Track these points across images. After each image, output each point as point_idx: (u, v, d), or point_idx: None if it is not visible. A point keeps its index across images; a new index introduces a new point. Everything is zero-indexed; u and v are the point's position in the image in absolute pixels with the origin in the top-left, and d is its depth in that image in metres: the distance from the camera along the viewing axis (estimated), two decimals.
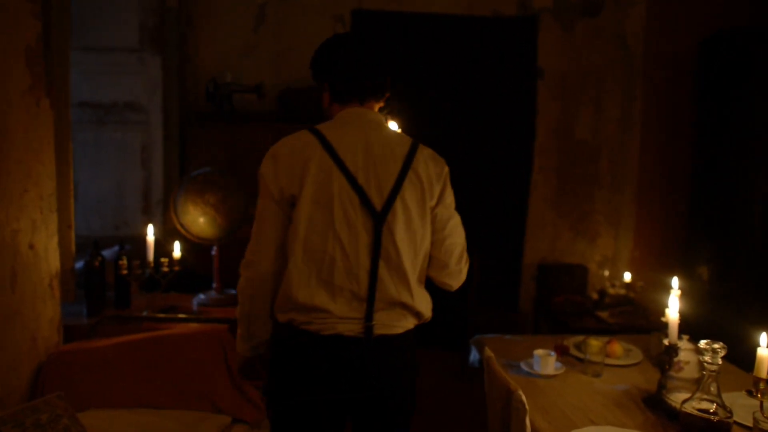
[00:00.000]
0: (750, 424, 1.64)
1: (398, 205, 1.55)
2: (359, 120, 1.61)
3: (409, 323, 1.62)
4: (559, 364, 2.07)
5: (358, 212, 1.53)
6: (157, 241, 3.51)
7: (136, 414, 2.13)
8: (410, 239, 1.57)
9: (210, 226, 2.81)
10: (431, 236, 1.63)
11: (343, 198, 1.52)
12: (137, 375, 2.23)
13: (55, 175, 2.40)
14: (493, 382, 1.86)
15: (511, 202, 4.49)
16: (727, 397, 1.54)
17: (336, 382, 1.57)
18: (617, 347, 2.18)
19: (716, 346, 1.50)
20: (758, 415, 1.53)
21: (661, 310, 3.81)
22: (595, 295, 4.01)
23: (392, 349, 1.59)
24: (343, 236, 1.52)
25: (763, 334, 1.59)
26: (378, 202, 1.54)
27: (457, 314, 4.05)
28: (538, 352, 2.04)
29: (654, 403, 1.81)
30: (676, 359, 1.86)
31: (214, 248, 2.93)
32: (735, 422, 1.62)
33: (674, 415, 1.71)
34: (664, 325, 1.86)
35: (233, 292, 3.02)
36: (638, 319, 3.76)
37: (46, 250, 2.30)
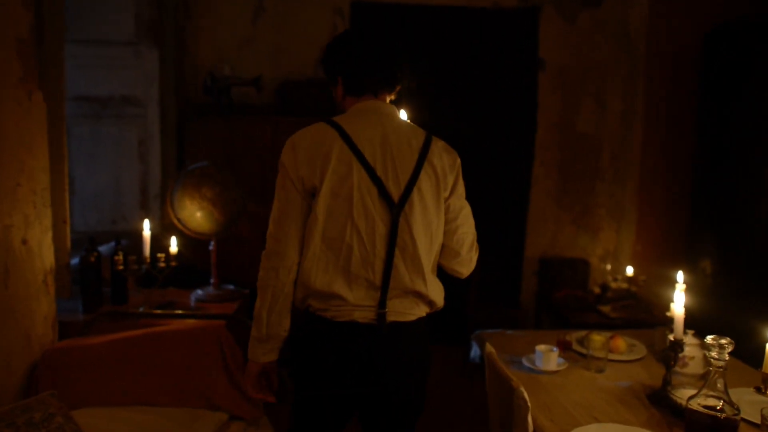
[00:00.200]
0: (758, 421, 1.60)
1: (415, 195, 1.58)
2: (375, 112, 1.64)
3: (422, 311, 1.65)
4: (561, 360, 2.03)
5: (376, 203, 1.56)
6: (154, 237, 3.48)
7: (131, 412, 2.09)
8: (426, 229, 1.61)
9: (207, 221, 2.77)
10: (444, 226, 1.66)
11: (362, 189, 1.55)
12: (133, 372, 2.19)
13: (49, 170, 2.36)
14: (494, 379, 1.83)
15: (512, 196, 4.45)
16: (733, 393, 1.50)
17: (343, 376, 1.59)
18: (620, 342, 2.14)
19: (723, 341, 1.46)
20: (767, 411, 1.50)
21: (663, 305, 3.79)
22: (597, 290, 3.97)
23: (404, 338, 1.61)
24: (361, 226, 1.55)
25: None
26: (395, 193, 1.57)
27: (458, 309, 4.02)
28: (540, 347, 2.01)
29: (659, 399, 1.78)
30: (681, 354, 1.82)
31: (212, 243, 2.89)
32: (742, 419, 1.59)
33: (680, 412, 1.68)
34: (668, 320, 1.82)
35: (231, 287, 3.00)
36: (640, 313, 3.73)
37: (40, 246, 2.26)
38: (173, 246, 2.70)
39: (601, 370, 2.00)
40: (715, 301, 3.54)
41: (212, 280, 2.91)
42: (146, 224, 2.67)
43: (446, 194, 1.65)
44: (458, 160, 1.68)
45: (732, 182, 3.82)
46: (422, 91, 4.22)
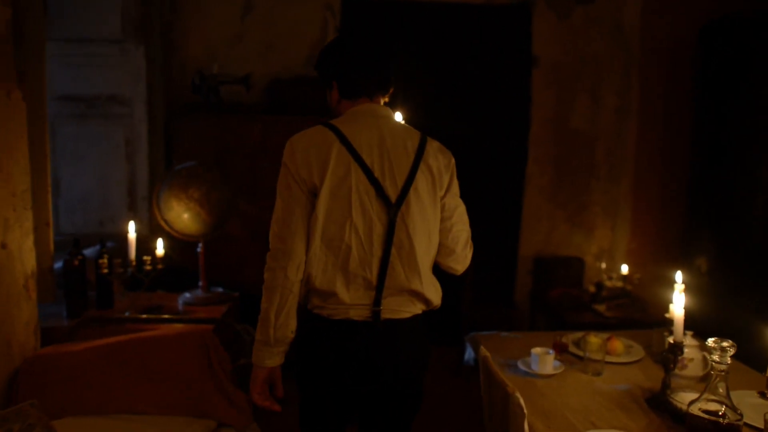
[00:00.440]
0: (761, 425, 1.56)
1: (412, 195, 1.62)
2: (371, 115, 1.67)
3: (417, 309, 1.68)
4: (557, 363, 1.98)
5: (374, 203, 1.60)
6: (142, 239, 3.41)
7: (115, 421, 2.03)
8: (423, 228, 1.64)
9: (194, 222, 2.71)
10: (440, 224, 1.70)
11: (360, 190, 1.59)
12: (117, 380, 2.13)
13: (30, 171, 2.29)
14: (489, 384, 1.77)
15: (506, 193, 4.40)
16: (734, 396, 1.45)
17: (342, 374, 1.63)
18: (618, 344, 2.10)
19: (725, 344, 1.41)
20: None
21: (659, 303, 3.77)
22: (592, 288, 3.94)
23: (400, 335, 1.64)
24: (359, 226, 1.59)
25: None
26: (393, 194, 1.61)
27: (453, 309, 3.96)
28: (536, 350, 1.96)
29: (658, 403, 1.73)
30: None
31: (200, 245, 2.83)
32: (745, 424, 1.54)
33: (680, 416, 1.63)
34: (665, 320, 1.78)
35: (220, 290, 2.94)
36: (636, 312, 3.70)
37: (21, 250, 2.19)
38: (159, 248, 2.63)
39: (598, 373, 1.95)
40: (712, 300, 3.50)
41: (200, 283, 2.84)
42: (131, 226, 2.60)
43: (442, 193, 1.68)
44: (453, 160, 1.71)
45: (728, 179, 3.79)
46: (415, 89, 4.21)
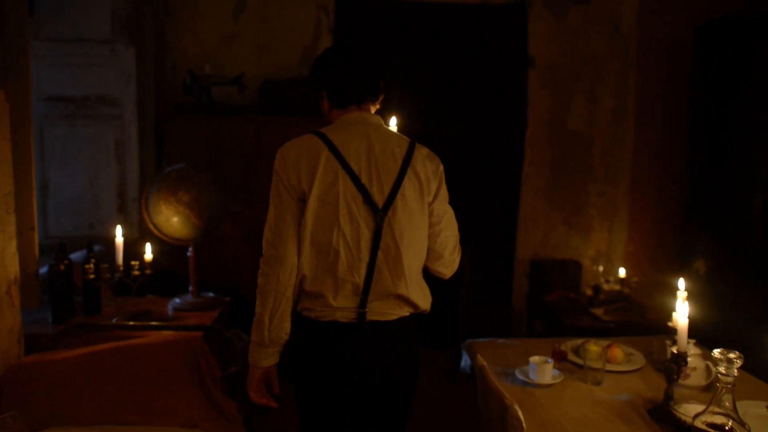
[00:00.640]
0: None
1: (399, 201, 1.65)
2: (361, 123, 1.71)
3: (404, 311, 1.70)
4: (556, 372, 1.93)
5: (361, 209, 1.63)
6: (132, 242, 3.35)
7: None
8: (410, 233, 1.66)
9: (184, 226, 2.64)
10: (428, 229, 1.72)
11: (348, 197, 1.62)
12: (103, 389, 2.06)
13: (14, 174, 2.22)
14: (487, 395, 1.72)
15: (502, 195, 4.35)
16: (738, 407, 1.40)
17: (329, 376, 1.66)
18: (618, 352, 2.04)
19: (732, 355, 1.36)
20: None
21: (657, 307, 3.73)
22: (589, 292, 3.90)
23: (386, 337, 1.67)
24: (347, 231, 1.62)
25: None
26: (380, 200, 1.64)
27: (449, 312, 3.92)
28: (534, 359, 1.90)
29: (661, 415, 1.68)
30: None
31: (190, 249, 2.77)
32: None
33: (683, 429, 1.58)
34: (669, 329, 1.72)
35: (211, 294, 2.87)
36: (633, 315, 3.66)
37: (3, 255, 2.13)
38: (148, 253, 2.57)
39: (598, 383, 1.90)
40: (711, 304, 3.45)
41: (191, 288, 2.78)
42: (119, 230, 2.53)
43: (430, 198, 1.71)
44: (441, 167, 1.74)
45: (727, 180, 3.74)
46: (409, 90, 4.15)
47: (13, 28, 2.24)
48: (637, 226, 4.30)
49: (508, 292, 4.40)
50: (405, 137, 1.75)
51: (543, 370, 1.86)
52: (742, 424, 1.36)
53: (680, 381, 1.82)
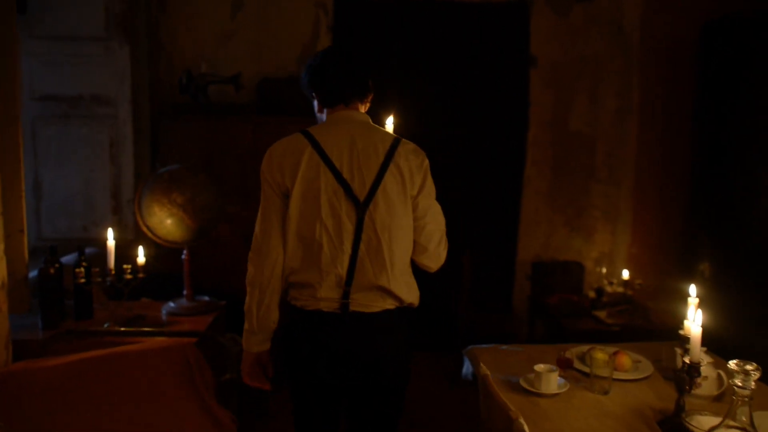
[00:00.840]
0: None
1: (380, 195, 1.70)
2: (346, 121, 1.78)
3: (388, 304, 1.73)
4: (562, 380, 1.86)
5: (343, 203, 1.69)
6: (126, 244, 3.27)
7: None
8: (392, 227, 1.71)
9: (178, 229, 2.57)
10: (413, 223, 1.77)
11: (329, 191, 1.69)
12: (93, 398, 2.00)
13: (1, 174, 2.15)
14: (490, 406, 1.65)
15: (503, 197, 4.28)
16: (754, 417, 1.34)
17: (314, 366, 1.71)
18: (625, 359, 1.97)
19: (749, 367, 1.29)
20: None
21: (661, 310, 3.67)
22: (592, 294, 3.83)
23: (369, 328, 1.72)
24: (329, 225, 1.69)
25: None
26: (361, 194, 1.69)
27: (449, 314, 3.86)
28: (539, 367, 1.83)
29: (672, 427, 1.61)
30: None
31: (184, 252, 2.70)
32: None
33: None
34: (681, 338, 1.65)
35: (206, 298, 2.81)
36: (637, 318, 3.59)
37: None
38: (141, 257, 2.50)
39: (605, 392, 1.83)
40: (717, 307, 3.38)
41: (185, 292, 2.71)
42: (110, 233, 2.46)
43: (414, 192, 1.75)
44: (426, 162, 1.78)
45: (730, 180, 3.69)
46: (409, 89, 4.09)
47: (0, 23, 2.17)
48: (640, 227, 4.23)
49: (509, 295, 4.33)
50: (391, 134, 1.81)
51: (548, 379, 1.80)
52: None
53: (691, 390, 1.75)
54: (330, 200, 1.69)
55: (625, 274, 3.82)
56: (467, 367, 2.21)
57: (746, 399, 1.30)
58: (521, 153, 4.22)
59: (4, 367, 2.11)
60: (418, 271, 1.86)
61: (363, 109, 1.84)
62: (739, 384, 1.30)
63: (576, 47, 4.17)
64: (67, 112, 3.64)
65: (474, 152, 4.22)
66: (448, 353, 3.80)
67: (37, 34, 3.55)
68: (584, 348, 2.09)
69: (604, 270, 4.13)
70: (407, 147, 1.76)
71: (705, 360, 1.77)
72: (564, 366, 1.96)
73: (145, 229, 2.61)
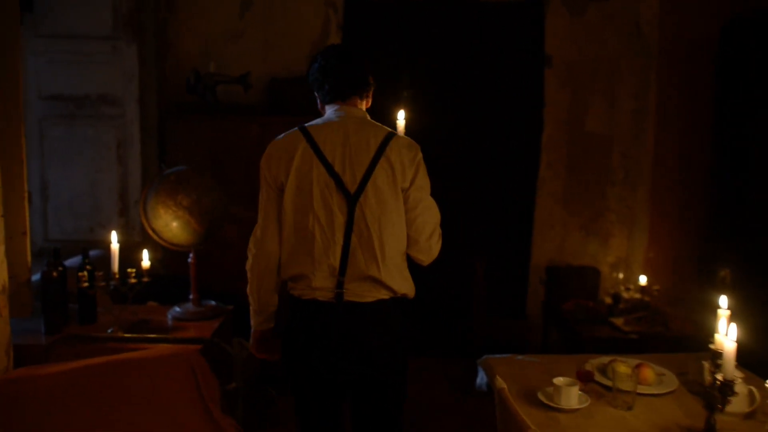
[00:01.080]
0: None
1: (370, 188, 1.75)
2: (341, 116, 1.84)
3: (381, 294, 1.78)
4: (582, 395, 1.77)
5: (334, 195, 1.76)
6: (133, 246, 3.21)
7: None
8: (383, 219, 1.76)
9: (184, 231, 2.51)
10: (405, 215, 1.81)
11: (321, 183, 1.76)
12: (94, 406, 1.93)
13: (3, 175, 2.09)
14: (507, 422, 1.57)
15: (517, 199, 4.20)
16: None
17: (309, 355, 1.78)
18: (649, 373, 1.88)
19: None
20: None
21: (679, 316, 3.56)
22: (608, 300, 3.72)
23: (363, 318, 1.77)
24: (321, 216, 1.76)
25: None
26: (352, 186, 1.76)
27: (462, 320, 3.78)
28: (559, 380, 1.74)
29: None
30: None
31: (191, 255, 2.63)
32: None
33: None
34: (714, 353, 1.56)
35: (212, 303, 2.74)
36: (656, 326, 3.48)
37: None
38: (145, 260, 2.43)
39: (629, 407, 1.74)
40: (739, 316, 3.28)
41: (191, 296, 2.64)
42: (114, 236, 2.40)
43: (405, 185, 1.79)
44: (419, 156, 1.82)
45: (752, 184, 3.58)
46: (422, 89, 4.01)
47: (2, 22, 2.12)
48: (657, 231, 4.13)
49: (523, 299, 4.24)
50: (386, 129, 1.84)
51: (568, 393, 1.71)
52: None
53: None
54: (322, 192, 1.76)
55: (643, 279, 3.72)
56: (482, 378, 2.13)
57: None
58: (535, 154, 4.14)
59: (5, 374, 2.05)
60: (426, 272, 1.87)
61: (362, 104, 1.90)
62: None
63: (591, 47, 4.08)
64: (73, 112, 3.60)
65: (487, 153, 4.14)
66: (462, 358, 3.72)
67: (43, 32, 3.51)
68: (605, 360, 2.00)
69: (620, 275, 4.03)
70: (400, 141, 1.81)
71: (738, 376, 1.68)
72: (584, 379, 1.86)
73: (150, 232, 2.55)
